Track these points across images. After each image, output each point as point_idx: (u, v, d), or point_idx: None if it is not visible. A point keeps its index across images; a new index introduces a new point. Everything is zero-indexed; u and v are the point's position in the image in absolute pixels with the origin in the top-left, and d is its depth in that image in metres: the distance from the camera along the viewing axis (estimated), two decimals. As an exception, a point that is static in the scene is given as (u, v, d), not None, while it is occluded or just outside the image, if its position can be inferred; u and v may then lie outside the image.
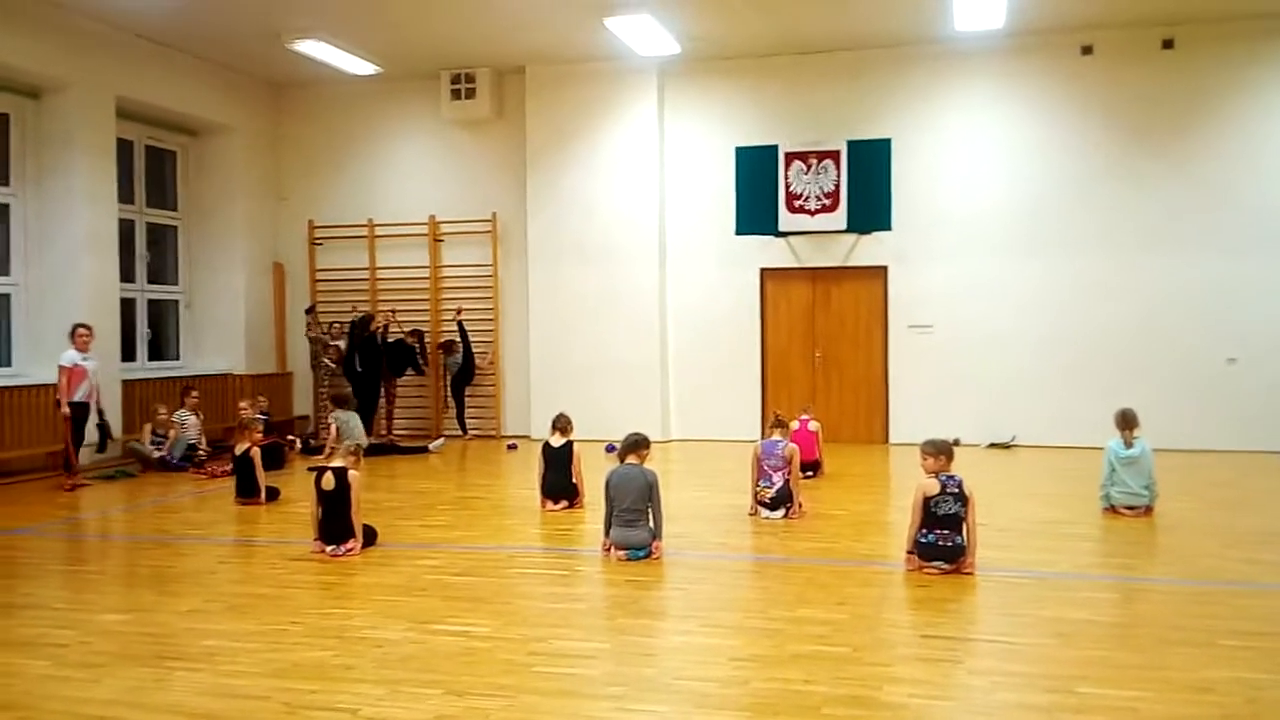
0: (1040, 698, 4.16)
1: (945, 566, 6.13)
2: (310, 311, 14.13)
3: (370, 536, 7.11)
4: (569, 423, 8.67)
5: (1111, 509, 8.06)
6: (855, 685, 4.31)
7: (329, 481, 6.92)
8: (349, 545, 6.88)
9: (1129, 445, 8.05)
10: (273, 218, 14.89)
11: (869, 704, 4.10)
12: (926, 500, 6.20)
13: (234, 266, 14.19)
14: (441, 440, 13.41)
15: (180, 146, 14.00)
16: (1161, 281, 12.30)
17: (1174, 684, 4.29)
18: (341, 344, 13.47)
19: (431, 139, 14.56)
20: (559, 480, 8.53)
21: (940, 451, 6.33)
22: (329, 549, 6.87)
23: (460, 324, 13.94)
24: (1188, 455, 11.28)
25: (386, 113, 14.66)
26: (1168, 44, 12.17)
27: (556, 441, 8.58)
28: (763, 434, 8.68)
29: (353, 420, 11.81)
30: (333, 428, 11.57)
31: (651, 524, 6.72)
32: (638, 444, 6.91)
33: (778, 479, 8.03)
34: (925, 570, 6.17)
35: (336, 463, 7.07)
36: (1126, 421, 8.15)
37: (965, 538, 6.17)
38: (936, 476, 6.26)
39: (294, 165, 15.01)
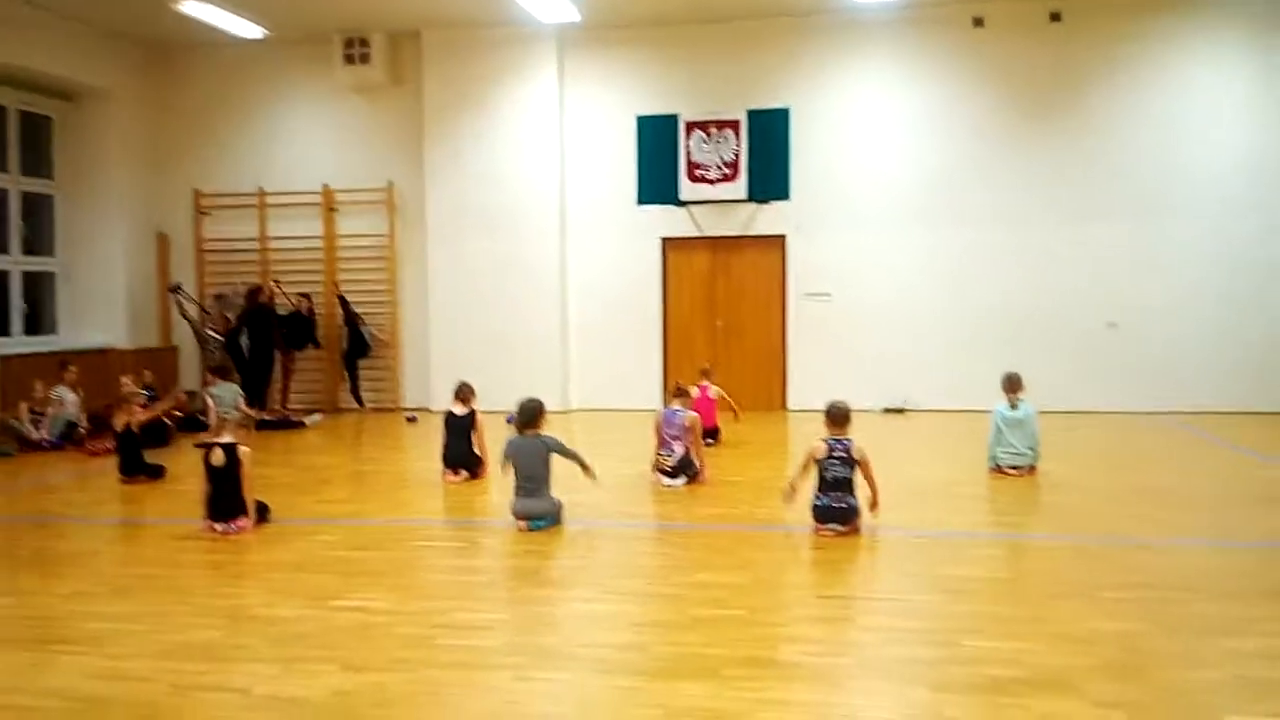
0: (930, 651, 4.28)
1: (840, 529, 6.25)
2: (176, 290, 13.62)
3: (263, 513, 6.93)
4: (471, 392, 8.58)
5: (998, 469, 8.34)
6: (753, 646, 4.37)
7: (218, 457, 6.72)
8: (240, 523, 6.69)
9: (1014, 407, 8.33)
10: (156, 186, 14.30)
11: (766, 664, 4.16)
12: (817, 463, 6.34)
13: (115, 237, 13.60)
14: (318, 416, 13.16)
15: (57, 112, 13.32)
16: (1048, 250, 12.71)
17: (1058, 636, 4.45)
18: (232, 315, 13.09)
19: (324, 105, 14.16)
20: (460, 450, 8.44)
21: (829, 415, 6.45)
22: (218, 527, 6.67)
23: (341, 298, 13.64)
24: (1072, 417, 11.73)
25: (276, 77, 14.19)
26: (1055, 17, 12.50)
27: (459, 411, 8.49)
28: (664, 403, 8.69)
29: (227, 394, 11.51)
30: (209, 402, 11.27)
31: (554, 493, 6.72)
32: (534, 415, 6.83)
33: (678, 448, 8.08)
34: (821, 532, 6.28)
35: (226, 438, 6.86)
36: (1011, 385, 8.43)
37: (858, 498, 6.32)
38: (825, 441, 6.37)
39: (179, 132, 14.43)
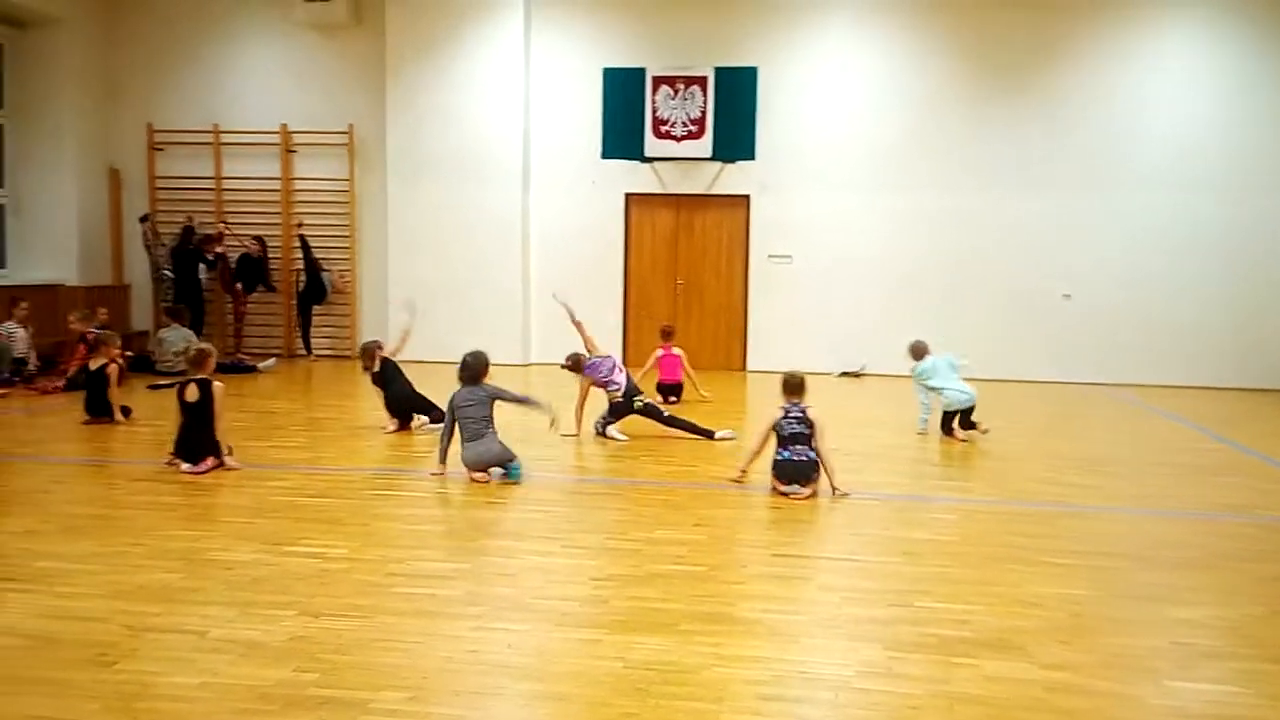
0: (883, 611, 4.38)
1: (802, 492, 6.33)
2: (145, 220, 13.40)
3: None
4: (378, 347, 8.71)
5: (950, 420, 8.55)
6: (711, 602, 4.43)
7: (192, 393, 6.70)
8: (206, 463, 6.68)
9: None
10: (108, 119, 13.94)
11: (724, 619, 4.23)
12: (774, 427, 6.48)
13: (65, 170, 13.28)
14: (272, 361, 13.03)
15: (7, 39, 12.90)
16: (1006, 218, 12.86)
17: (1004, 598, 4.57)
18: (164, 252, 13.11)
19: (283, 42, 13.85)
20: (394, 397, 8.50)
21: (785, 384, 6.62)
22: (184, 466, 6.64)
23: (302, 239, 13.45)
24: (1023, 386, 11.96)
25: (234, 11, 13.85)
26: (1024, -13, 12.57)
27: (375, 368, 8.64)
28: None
29: (176, 338, 11.42)
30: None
31: (501, 437, 6.79)
32: (478, 370, 6.85)
33: (620, 378, 8.28)
34: (785, 494, 6.34)
35: (201, 374, 6.88)
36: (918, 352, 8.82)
37: (817, 453, 6.43)
38: (781, 407, 6.52)
39: (132, 63, 14.04)
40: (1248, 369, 12.57)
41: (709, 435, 8.25)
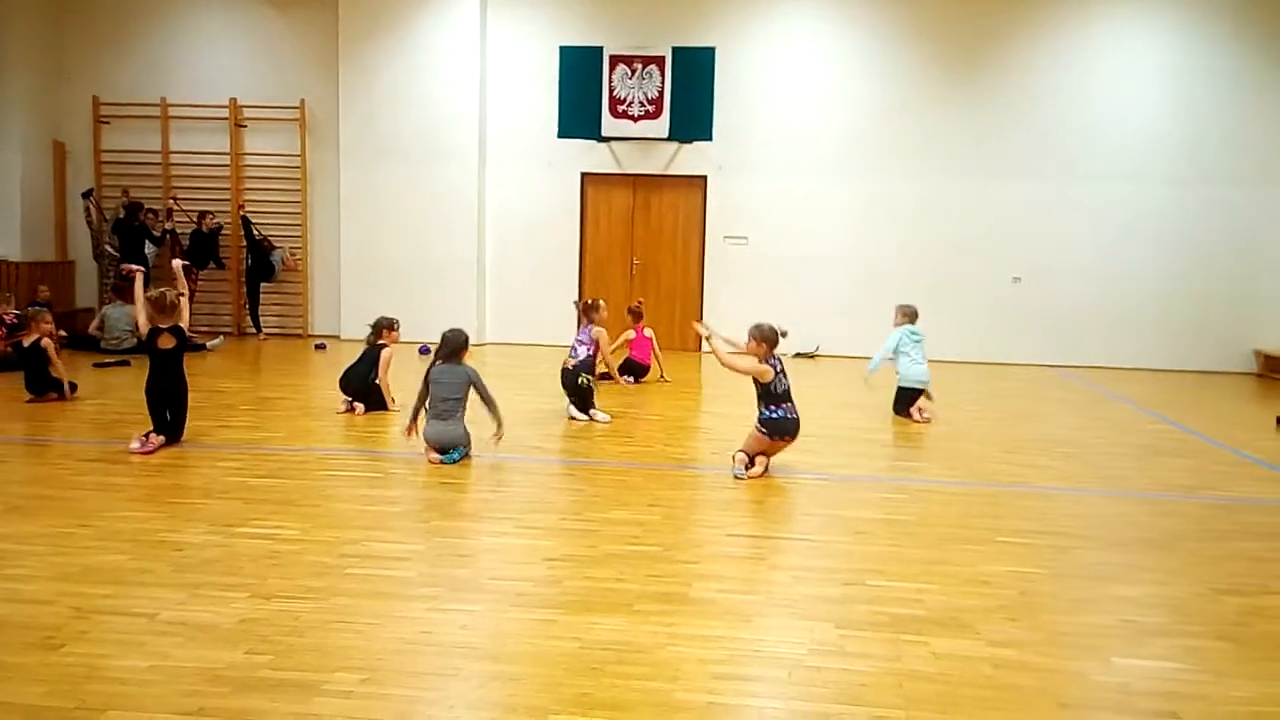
0: (836, 590, 4.42)
1: (755, 471, 6.41)
2: (88, 196, 13.11)
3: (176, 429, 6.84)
4: (389, 327, 8.54)
5: (908, 392, 8.72)
6: (666, 582, 4.44)
7: (167, 340, 6.70)
8: (153, 441, 6.66)
9: (915, 332, 8.82)
10: (54, 91, 13.61)
11: (679, 599, 4.24)
12: (766, 385, 6.53)
13: (9, 143, 12.96)
14: (220, 339, 12.83)
15: (-58, 5, 12.57)
16: (962, 203, 12.99)
17: (956, 577, 4.63)
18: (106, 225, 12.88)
19: (233, 15, 13.59)
20: (360, 378, 8.38)
21: (763, 338, 6.63)
22: (133, 446, 6.60)
23: (245, 218, 13.25)
24: (977, 368, 12.10)
25: (184, -17, 13.58)
26: (980, -28, 12.65)
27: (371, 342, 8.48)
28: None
29: (121, 315, 11.25)
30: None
31: (467, 422, 6.72)
32: (458, 347, 6.79)
33: (582, 350, 8.34)
34: (739, 477, 6.38)
35: (172, 322, 6.88)
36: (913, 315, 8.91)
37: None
38: (767, 361, 6.57)
39: (77, 35, 13.71)
40: (1197, 353, 12.84)
41: (587, 414, 8.26)
